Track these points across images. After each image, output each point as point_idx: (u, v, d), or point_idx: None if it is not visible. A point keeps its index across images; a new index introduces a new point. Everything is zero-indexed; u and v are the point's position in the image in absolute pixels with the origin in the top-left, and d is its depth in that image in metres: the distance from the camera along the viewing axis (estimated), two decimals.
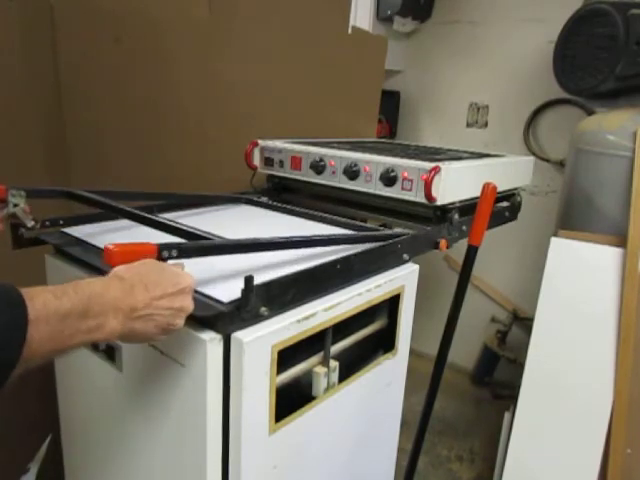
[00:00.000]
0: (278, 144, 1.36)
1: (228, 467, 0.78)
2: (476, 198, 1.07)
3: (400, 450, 1.21)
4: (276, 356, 0.76)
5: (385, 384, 1.07)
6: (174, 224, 0.83)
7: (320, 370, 0.86)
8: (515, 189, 1.42)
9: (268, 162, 1.38)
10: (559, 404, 1.38)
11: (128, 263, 0.64)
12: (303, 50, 1.64)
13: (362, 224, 1.16)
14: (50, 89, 1.38)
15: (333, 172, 1.25)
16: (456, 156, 1.33)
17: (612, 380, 1.30)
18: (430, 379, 1.18)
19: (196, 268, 0.72)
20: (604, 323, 1.31)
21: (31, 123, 1.34)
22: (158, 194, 1.19)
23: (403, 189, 1.13)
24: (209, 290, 0.75)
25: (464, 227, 1.19)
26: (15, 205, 0.87)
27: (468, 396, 2.33)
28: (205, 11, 1.47)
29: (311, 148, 1.29)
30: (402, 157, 1.17)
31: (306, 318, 0.80)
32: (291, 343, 0.79)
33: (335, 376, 0.89)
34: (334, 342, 0.90)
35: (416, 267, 1.05)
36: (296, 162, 1.32)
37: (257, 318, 0.74)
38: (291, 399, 0.84)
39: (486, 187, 1.03)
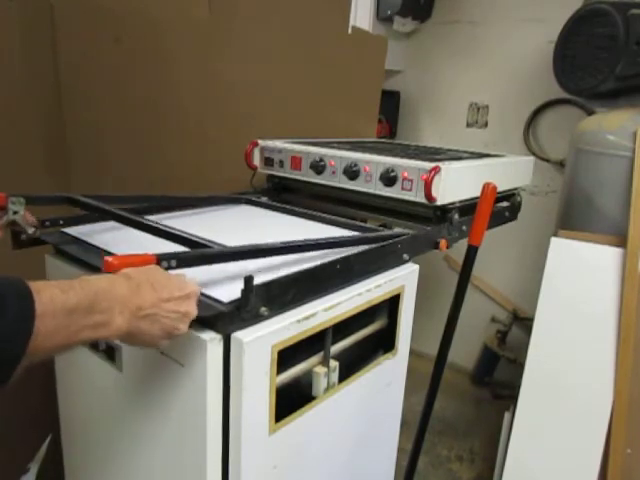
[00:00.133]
0: (278, 144, 1.36)
1: (228, 467, 0.78)
2: (476, 198, 1.07)
3: (400, 450, 1.21)
4: (276, 356, 0.76)
5: (385, 384, 1.07)
6: (173, 231, 0.83)
7: (320, 370, 0.86)
8: (515, 189, 1.42)
9: (268, 162, 1.38)
10: (559, 404, 1.38)
11: None
12: (303, 50, 1.64)
13: (362, 224, 1.16)
14: (50, 89, 1.38)
15: (333, 172, 1.25)
16: (456, 156, 1.33)
17: (612, 380, 1.30)
18: (430, 379, 1.18)
19: (196, 268, 0.72)
20: (604, 323, 1.31)
21: (31, 123, 1.34)
22: (158, 197, 1.19)
23: (403, 189, 1.13)
24: (209, 290, 0.74)
25: (464, 227, 1.19)
26: (15, 212, 0.86)
27: (468, 396, 2.33)
28: (205, 11, 1.47)
29: (311, 148, 1.29)
30: (402, 157, 1.17)
31: (306, 318, 0.80)
32: (291, 343, 0.79)
33: (335, 376, 0.89)
34: (334, 342, 0.90)
35: (416, 267, 1.05)
36: (296, 162, 1.32)
37: (257, 318, 0.74)
38: (291, 399, 0.84)
39: (486, 187, 1.03)
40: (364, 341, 1.00)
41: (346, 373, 0.93)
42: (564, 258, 1.37)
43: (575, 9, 1.71)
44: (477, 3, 2.22)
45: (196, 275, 0.73)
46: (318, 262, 0.85)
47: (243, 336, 0.72)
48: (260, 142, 1.40)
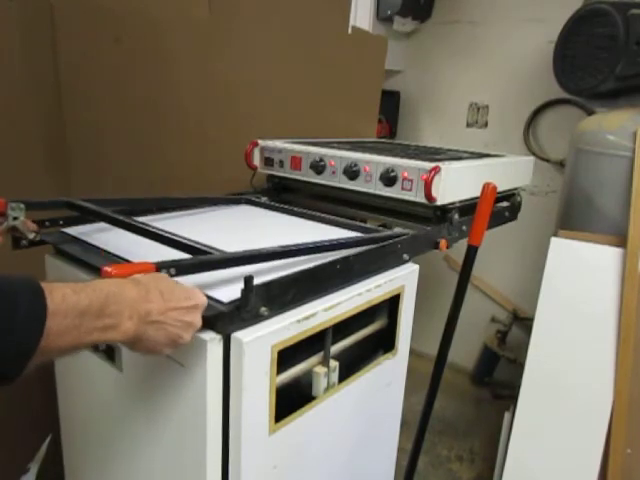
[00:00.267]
0: (278, 144, 1.36)
1: (228, 467, 0.78)
2: (476, 198, 1.07)
3: (400, 450, 1.21)
4: (276, 356, 0.76)
5: (385, 384, 1.07)
6: (172, 237, 0.83)
7: (320, 370, 0.86)
8: (515, 189, 1.42)
9: (268, 162, 1.38)
10: (559, 404, 1.38)
11: None
12: (303, 50, 1.64)
13: (362, 224, 1.16)
14: (50, 89, 1.38)
15: (333, 172, 1.25)
16: (456, 156, 1.33)
17: (612, 380, 1.30)
18: (430, 379, 1.18)
19: None
20: (604, 323, 1.31)
21: (31, 123, 1.34)
22: (158, 199, 1.19)
23: (403, 189, 1.13)
24: (209, 290, 0.74)
25: (464, 227, 1.19)
26: (15, 218, 0.87)
27: (468, 396, 2.33)
28: (205, 11, 1.47)
29: (311, 148, 1.29)
30: (402, 157, 1.17)
31: (306, 318, 0.80)
32: (291, 343, 0.79)
33: (335, 376, 0.89)
34: (334, 342, 0.90)
35: (416, 267, 1.05)
36: (296, 162, 1.32)
37: (257, 318, 0.74)
38: (291, 399, 0.84)
39: (486, 187, 1.03)
40: (364, 341, 1.00)
41: (346, 373, 0.93)
42: (564, 258, 1.37)
43: (575, 9, 1.71)
44: (477, 3, 2.22)
45: (196, 275, 0.73)
46: (318, 262, 0.85)
47: (243, 336, 0.72)
48: (260, 142, 1.40)
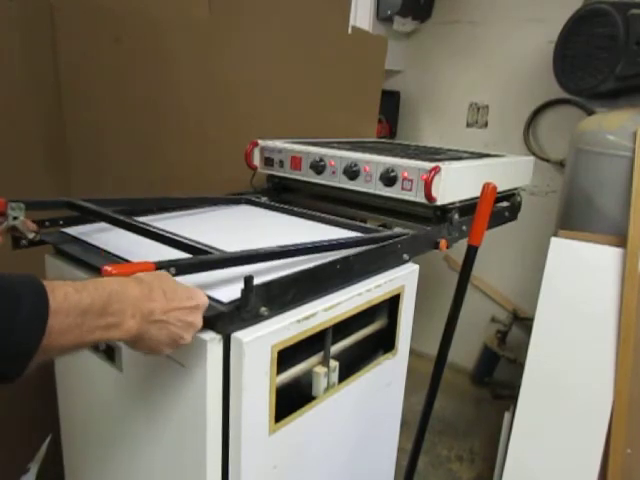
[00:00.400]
0: (278, 144, 1.36)
1: (228, 467, 0.78)
2: (476, 198, 1.07)
3: (400, 450, 1.21)
4: (276, 356, 0.76)
5: (385, 384, 1.07)
6: (172, 236, 0.83)
7: (320, 370, 0.86)
8: (515, 189, 1.42)
9: (268, 162, 1.38)
10: (559, 404, 1.38)
11: None
12: (303, 50, 1.64)
13: (362, 224, 1.16)
14: (50, 89, 1.38)
15: (333, 172, 1.25)
16: (456, 156, 1.33)
17: (612, 380, 1.30)
18: (430, 379, 1.18)
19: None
20: (604, 323, 1.31)
21: (31, 123, 1.34)
22: (158, 199, 1.19)
23: (403, 189, 1.13)
24: (209, 290, 0.74)
25: (464, 227, 1.19)
26: (15, 218, 0.86)
27: (468, 396, 2.33)
28: (205, 11, 1.47)
29: (311, 148, 1.29)
30: (402, 157, 1.17)
31: (306, 318, 0.80)
32: (291, 343, 0.79)
33: (335, 376, 0.89)
34: (334, 342, 0.90)
35: (416, 267, 1.05)
36: (296, 162, 1.32)
37: (257, 318, 0.74)
38: (291, 399, 0.84)
39: (486, 187, 1.03)
40: (364, 341, 1.00)
41: (346, 373, 0.93)
42: (564, 258, 1.37)
43: (575, 9, 1.71)
44: (477, 3, 2.22)
45: (196, 275, 0.73)
46: (318, 262, 0.85)
47: (243, 336, 0.72)
48: (260, 142, 1.40)
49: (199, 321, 0.66)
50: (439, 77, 2.38)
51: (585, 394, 1.34)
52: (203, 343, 0.70)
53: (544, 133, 2.17)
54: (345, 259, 0.88)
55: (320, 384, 0.86)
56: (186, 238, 0.83)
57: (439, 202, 1.09)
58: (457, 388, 2.36)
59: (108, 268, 0.63)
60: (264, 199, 1.34)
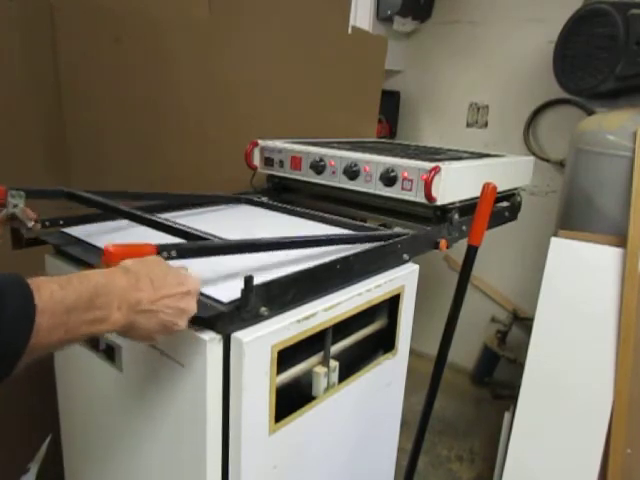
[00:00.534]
0: (278, 144, 1.36)
1: (228, 467, 0.78)
2: (476, 198, 1.07)
3: (400, 450, 1.21)
4: (276, 356, 0.76)
5: (385, 384, 1.07)
6: (173, 224, 0.83)
7: (320, 370, 0.86)
8: (515, 189, 1.42)
9: (268, 162, 1.38)
10: (559, 404, 1.38)
11: None
12: (303, 50, 1.64)
13: (362, 224, 1.16)
14: (50, 89, 1.38)
15: (333, 172, 1.25)
16: (456, 156, 1.33)
17: (612, 380, 1.30)
18: (430, 379, 1.18)
19: (196, 268, 0.72)
20: (604, 323, 1.31)
21: (31, 123, 1.34)
22: (158, 194, 1.19)
23: (403, 189, 1.13)
24: (209, 290, 0.74)
25: (464, 227, 1.19)
26: (15, 206, 0.87)
27: (468, 396, 2.33)
28: (205, 11, 1.47)
29: (311, 148, 1.29)
30: (402, 157, 1.17)
31: (306, 318, 0.80)
32: (291, 343, 0.79)
33: (335, 376, 0.89)
34: (334, 342, 0.90)
35: (416, 267, 1.05)
36: (296, 162, 1.32)
37: (257, 318, 0.74)
38: (291, 399, 0.84)
39: (486, 187, 1.03)
40: (364, 341, 1.00)
41: (346, 373, 0.93)
42: (564, 258, 1.37)
43: (575, 9, 1.71)
44: (477, 3, 2.22)
45: (197, 275, 0.73)
46: (318, 262, 0.85)
47: (243, 336, 0.72)
48: (260, 142, 1.40)
49: (192, 306, 0.65)
50: (439, 77, 2.38)
51: (585, 394, 1.34)
52: (203, 343, 0.70)
53: (544, 133, 2.17)
54: (345, 259, 0.88)
55: (320, 384, 0.86)
56: (187, 226, 0.82)
57: (439, 202, 1.09)
58: (457, 388, 2.36)
59: (109, 248, 0.63)
60: (264, 199, 1.34)
